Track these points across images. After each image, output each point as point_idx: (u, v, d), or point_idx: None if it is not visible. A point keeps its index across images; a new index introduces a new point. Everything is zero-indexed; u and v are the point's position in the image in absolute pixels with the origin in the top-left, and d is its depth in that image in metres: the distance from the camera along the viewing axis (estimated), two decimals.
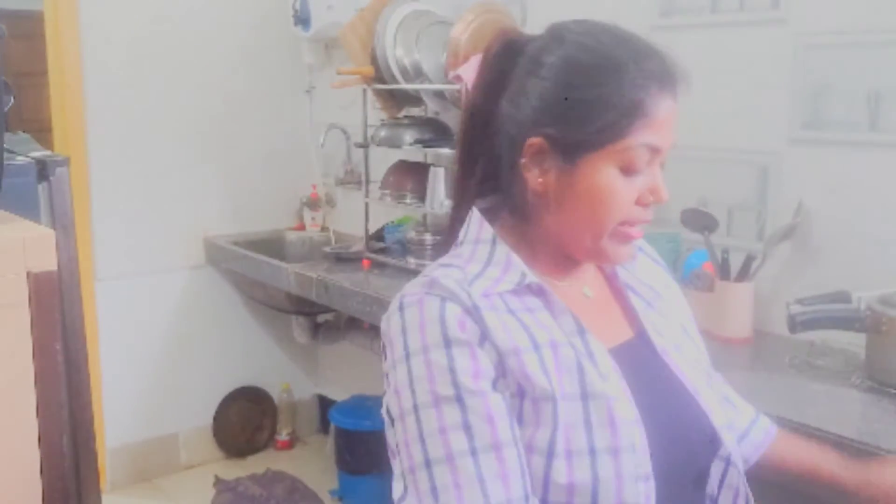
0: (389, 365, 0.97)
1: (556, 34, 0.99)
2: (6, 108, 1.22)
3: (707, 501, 1.04)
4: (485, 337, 0.92)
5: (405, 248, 2.74)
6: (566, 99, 0.95)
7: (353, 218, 3.11)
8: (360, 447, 3.04)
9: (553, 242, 1.02)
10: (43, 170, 1.33)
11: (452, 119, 2.72)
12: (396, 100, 2.80)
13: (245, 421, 3.54)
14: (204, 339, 3.43)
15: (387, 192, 2.75)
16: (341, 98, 3.18)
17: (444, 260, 1.02)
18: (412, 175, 2.71)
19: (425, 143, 2.66)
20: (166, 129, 3.23)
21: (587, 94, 0.94)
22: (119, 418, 3.24)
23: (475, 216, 1.04)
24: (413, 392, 0.92)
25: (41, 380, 0.94)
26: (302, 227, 3.51)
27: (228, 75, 3.34)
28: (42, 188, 1.33)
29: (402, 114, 2.83)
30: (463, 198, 1.08)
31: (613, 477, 0.90)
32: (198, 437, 3.46)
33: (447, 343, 0.91)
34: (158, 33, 3.16)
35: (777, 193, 2.01)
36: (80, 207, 2.81)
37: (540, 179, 0.98)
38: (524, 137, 0.97)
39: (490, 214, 1.04)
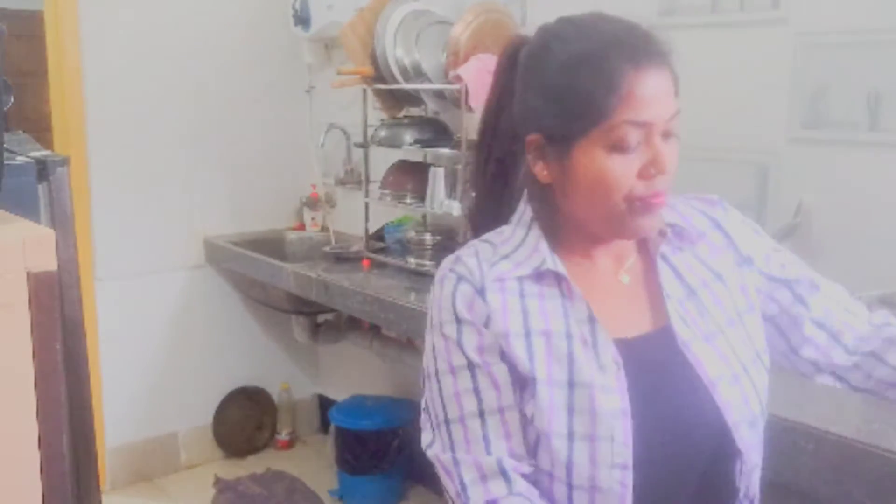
0: (426, 329, 1.09)
1: (535, 35, 1.06)
2: (6, 108, 1.22)
3: (718, 494, 1.05)
4: (488, 319, 1.02)
5: (405, 247, 2.74)
6: (543, 95, 1.02)
7: (352, 218, 3.11)
8: (360, 447, 3.04)
9: (578, 226, 1.06)
10: (43, 170, 1.32)
11: (452, 119, 2.72)
12: (396, 100, 2.79)
13: (245, 421, 3.54)
14: (204, 339, 3.43)
15: (387, 192, 2.75)
16: (341, 98, 3.18)
17: (488, 235, 1.11)
18: (412, 175, 2.71)
19: (425, 143, 2.66)
20: (166, 128, 3.23)
21: (560, 88, 1.00)
22: (119, 418, 3.24)
23: (523, 199, 1.11)
24: (435, 359, 1.06)
25: (41, 380, 0.94)
26: (302, 227, 3.51)
27: (228, 75, 3.34)
28: (42, 188, 1.32)
29: (402, 114, 2.83)
30: (478, 194, 1.17)
31: (587, 462, 0.98)
32: (198, 437, 3.46)
33: (458, 321, 1.03)
34: (158, 33, 3.16)
35: (777, 193, 2.01)
36: (80, 207, 2.81)
37: (545, 172, 1.05)
38: (524, 136, 1.05)
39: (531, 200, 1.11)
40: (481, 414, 1.02)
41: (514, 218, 1.10)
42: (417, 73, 2.65)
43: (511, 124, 1.09)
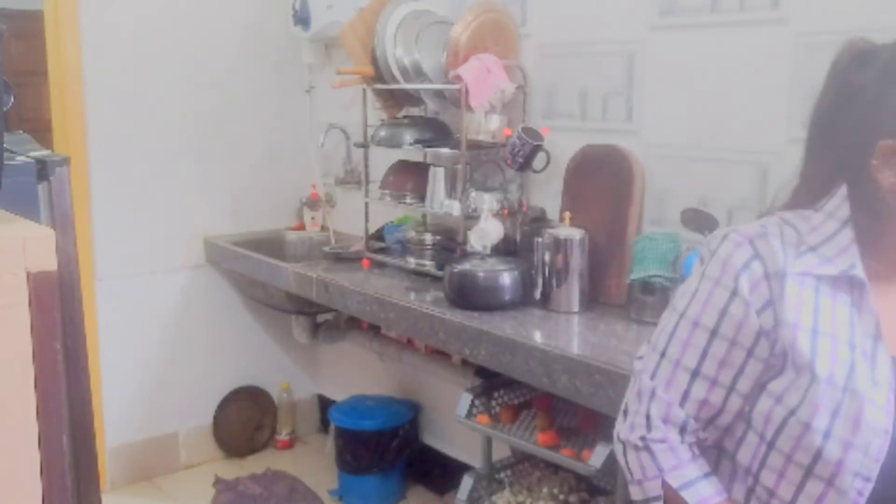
0: (696, 265, 1.12)
1: None
2: (6, 108, 1.22)
3: None
4: (770, 304, 1.03)
5: (405, 247, 2.74)
6: None
7: (352, 218, 3.11)
8: (360, 447, 3.04)
9: None
10: (43, 170, 1.32)
11: (452, 119, 2.72)
12: (396, 100, 2.80)
13: (245, 421, 3.54)
14: (204, 338, 3.43)
15: (386, 191, 2.75)
16: (341, 98, 3.18)
17: (792, 216, 1.09)
18: (412, 175, 2.71)
19: (425, 143, 2.66)
20: (166, 128, 3.23)
21: None
22: (119, 418, 3.24)
23: (840, 193, 1.07)
24: (689, 303, 1.09)
25: (41, 380, 0.94)
26: (302, 227, 3.51)
27: (228, 75, 3.34)
28: (42, 188, 1.32)
29: (402, 114, 2.83)
30: (806, 194, 1.13)
31: (834, 463, 0.98)
32: (198, 437, 3.46)
33: (734, 293, 1.05)
34: (158, 33, 3.16)
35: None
36: (80, 207, 2.81)
37: (893, 179, 1.01)
38: (875, 140, 1.01)
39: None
40: (695, 374, 1.08)
41: (826, 207, 1.07)
42: (417, 73, 2.65)
43: (854, 125, 1.05)
